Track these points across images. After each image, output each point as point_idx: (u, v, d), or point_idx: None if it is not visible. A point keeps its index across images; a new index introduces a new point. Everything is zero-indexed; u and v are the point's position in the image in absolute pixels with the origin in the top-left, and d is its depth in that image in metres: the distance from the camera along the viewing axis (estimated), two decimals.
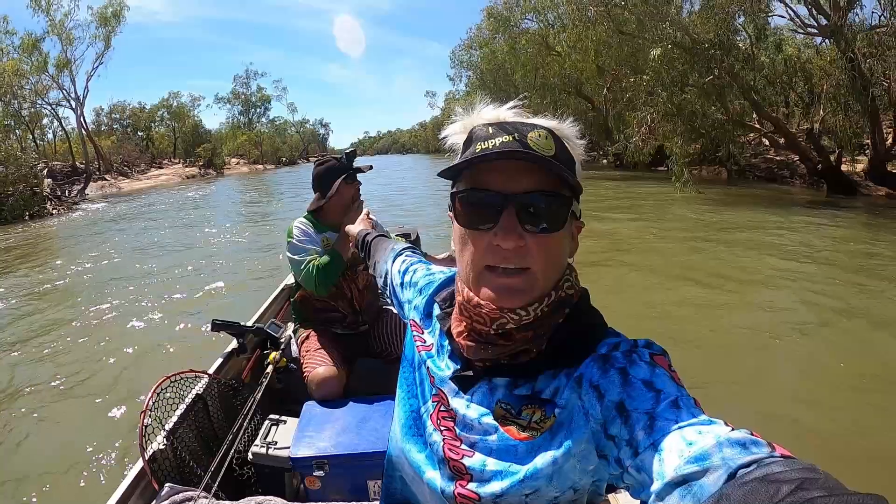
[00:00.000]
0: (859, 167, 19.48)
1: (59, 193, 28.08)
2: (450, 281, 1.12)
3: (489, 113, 0.88)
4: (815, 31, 17.77)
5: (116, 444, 4.19)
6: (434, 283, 1.15)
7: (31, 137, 40.83)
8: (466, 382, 0.91)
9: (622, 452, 0.71)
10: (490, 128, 0.83)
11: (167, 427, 2.31)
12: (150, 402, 2.31)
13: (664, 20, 17.93)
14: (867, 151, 19.01)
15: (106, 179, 39.31)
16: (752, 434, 0.62)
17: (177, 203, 25.70)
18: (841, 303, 6.96)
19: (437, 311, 1.05)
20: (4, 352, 6.82)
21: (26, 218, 22.10)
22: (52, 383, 5.54)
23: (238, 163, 68.51)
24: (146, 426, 2.22)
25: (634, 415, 0.71)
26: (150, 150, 59.06)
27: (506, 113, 0.88)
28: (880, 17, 17.05)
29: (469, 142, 0.85)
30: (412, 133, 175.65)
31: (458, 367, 0.94)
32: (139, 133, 61.42)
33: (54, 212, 24.05)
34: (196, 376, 2.72)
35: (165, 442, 2.24)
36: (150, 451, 2.16)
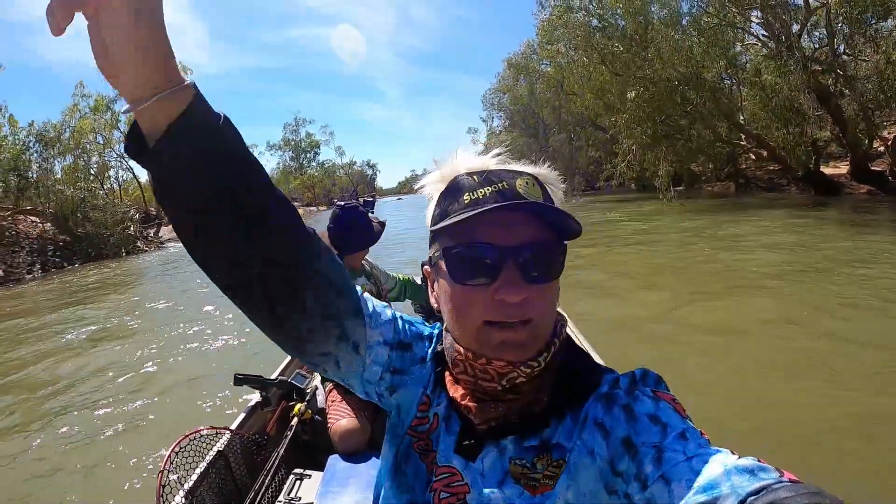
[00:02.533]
0: (844, 169, 21.63)
1: (145, 235, 32.60)
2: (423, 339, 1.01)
3: (472, 161, 0.86)
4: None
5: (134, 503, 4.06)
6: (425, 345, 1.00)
7: (98, 186, 45.15)
8: (472, 451, 0.85)
9: (631, 487, 0.71)
10: (475, 177, 0.81)
11: (186, 487, 2.29)
12: (169, 462, 2.28)
13: (643, 63, 21.10)
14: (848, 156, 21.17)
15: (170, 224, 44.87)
16: (759, 461, 0.62)
17: None
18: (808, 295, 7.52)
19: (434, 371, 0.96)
20: (38, 388, 7.01)
21: (123, 254, 26.35)
22: (73, 431, 5.47)
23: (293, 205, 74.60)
24: (164, 486, 2.20)
25: (642, 449, 0.71)
26: None
27: (488, 161, 0.86)
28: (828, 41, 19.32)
29: (451, 192, 0.82)
30: None
31: (457, 431, 0.88)
32: None
33: (146, 249, 28.47)
34: (217, 433, 2.69)
35: (184, 502, 2.24)
36: None
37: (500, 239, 0.77)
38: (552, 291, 0.82)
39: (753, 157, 24.57)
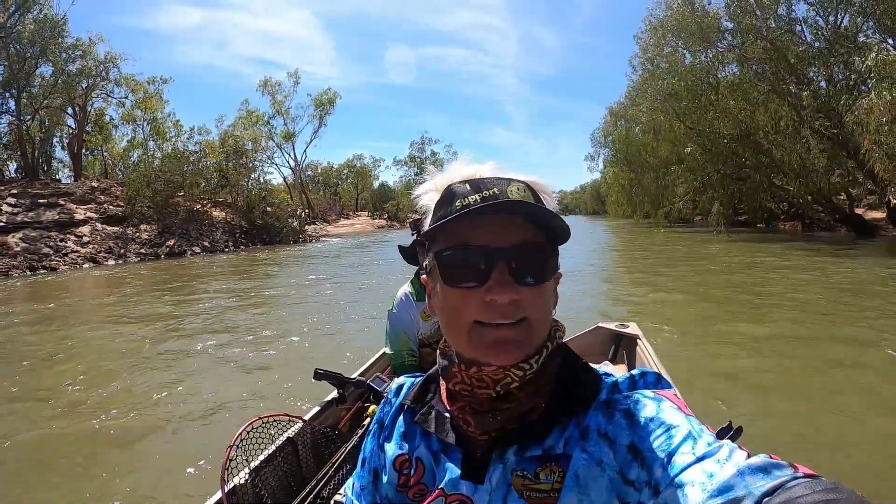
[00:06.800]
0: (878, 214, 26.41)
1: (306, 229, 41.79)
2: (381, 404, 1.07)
3: (466, 169, 0.89)
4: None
5: (198, 472, 4.27)
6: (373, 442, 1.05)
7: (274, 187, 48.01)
8: (479, 472, 0.85)
9: (643, 495, 0.72)
10: (468, 184, 0.83)
11: (252, 465, 2.45)
12: (239, 439, 2.42)
13: (702, 121, 27.82)
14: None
15: (315, 224, 52.90)
16: (770, 457, 0.63)
17: (376, 244, 35.50)
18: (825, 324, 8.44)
19: (403, 424, 1.00)
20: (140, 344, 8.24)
21: (290, 242, 36.03)
22: (156, 395, 6.07)
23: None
24: (231, 460, 2.34)
25: (650, 455, 0.72)
26: (339, 203, 74.60)
27: (482, 169, 0.88)
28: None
29: (445, 200, 0.85)
30: (574, 195, 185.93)
31: (460, 456, 0.88)
32: (328, 188, 77.47)
33: (308, 241, 38.06)
34: (290, 420, 2.87)
35: (248, 478, 2.38)
36: (230, 485, 2.29)
37: (490, 241, 0.80)
38: (545, 294, 0.83)
39: (801, 201, 28.80)
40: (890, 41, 22.21)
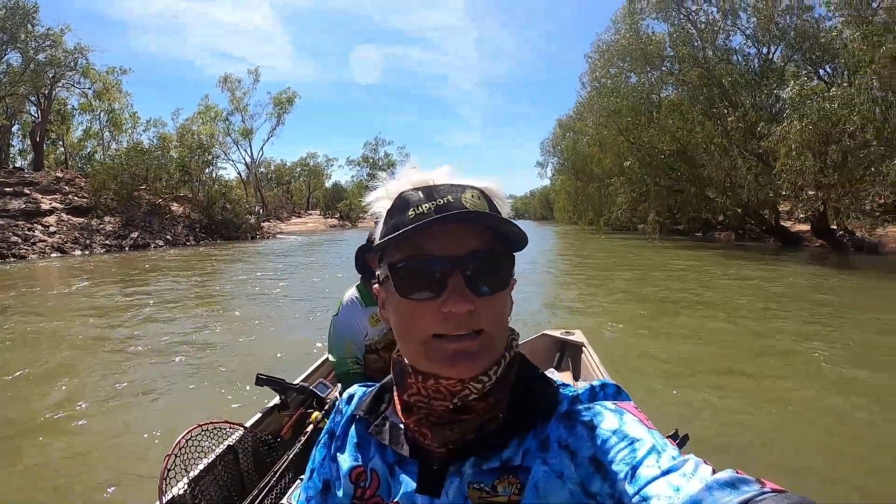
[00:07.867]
0: (804, 227, 28.87)
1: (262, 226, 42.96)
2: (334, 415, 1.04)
3: (417, 176, 0.86)
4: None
5: (135, 482, 4.06)
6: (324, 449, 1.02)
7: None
8: (435, 485, 0.84)
9: None
10: (420, 192, 0.82)
11: (192, 475, 2.41)
12: (178, 447, 2.39)
13: (643, 136, 30.69)
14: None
15: (269, 221, 53.83)
16: (737, 472, 0.63)
17: (329, 242, 37.11)
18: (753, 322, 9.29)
19: (356, 435, 0.97)
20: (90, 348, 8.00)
21: (248, 238, 37.28)
22: (92, 397, 5.87)
23: (367, 217, 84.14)
24: (169, 469, 2.30)
25: (612, 468, 0.71)
26: (290, 202, 75.96)
27: (435, 175, 0.86)
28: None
29: (397, 208, 0.82)
30: (524, 200, 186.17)
31: (416, 469, 0.86)
32: (280, 185, 78.45)
33: (264, 238, 39.34)
34: (231, 427, 2.81)
35: (187, 488, 2.34)
36: (168, 496, 2.26)
37: (444, 250, 0.77)
38: (502, 303, 0.82)
39: (731, 213, 31.95)
40: (812, 72, 25.38)
